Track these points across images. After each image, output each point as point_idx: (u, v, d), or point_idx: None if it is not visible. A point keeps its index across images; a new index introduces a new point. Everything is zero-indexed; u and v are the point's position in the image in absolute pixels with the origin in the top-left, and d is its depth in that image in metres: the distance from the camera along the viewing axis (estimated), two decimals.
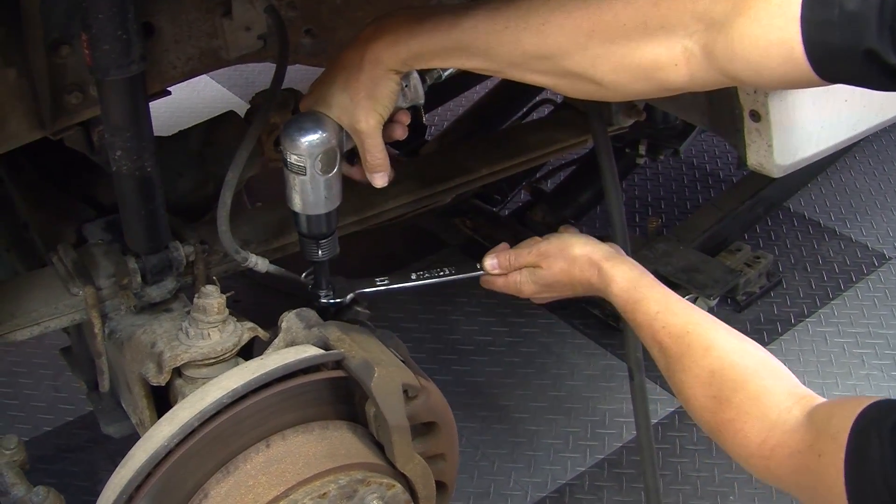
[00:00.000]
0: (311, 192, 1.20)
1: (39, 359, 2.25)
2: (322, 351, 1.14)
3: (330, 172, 1.18)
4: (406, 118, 1.28)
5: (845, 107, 1.32)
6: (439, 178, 1.73)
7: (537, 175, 2.63)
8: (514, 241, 2.44)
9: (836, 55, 0.96)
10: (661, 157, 2.12)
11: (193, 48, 1.36)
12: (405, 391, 1.14)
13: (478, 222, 2.61)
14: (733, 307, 2.41)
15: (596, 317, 2.34)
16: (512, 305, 2.45)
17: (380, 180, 1.22)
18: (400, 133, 1.26)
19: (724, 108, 1.34)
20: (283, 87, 1.36)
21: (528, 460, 2.02)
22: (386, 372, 1.13)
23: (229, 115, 1.63)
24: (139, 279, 1.32)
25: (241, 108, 1.61)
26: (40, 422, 2.14)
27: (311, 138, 1.17)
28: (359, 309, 1.29)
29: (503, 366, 2.27)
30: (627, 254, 1.68)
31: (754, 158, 1.33)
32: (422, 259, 2.63)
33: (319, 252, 1.25)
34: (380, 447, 1.17)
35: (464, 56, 1.19)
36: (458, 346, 2.34)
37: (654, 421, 2.12)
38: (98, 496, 1.09)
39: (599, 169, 1.68)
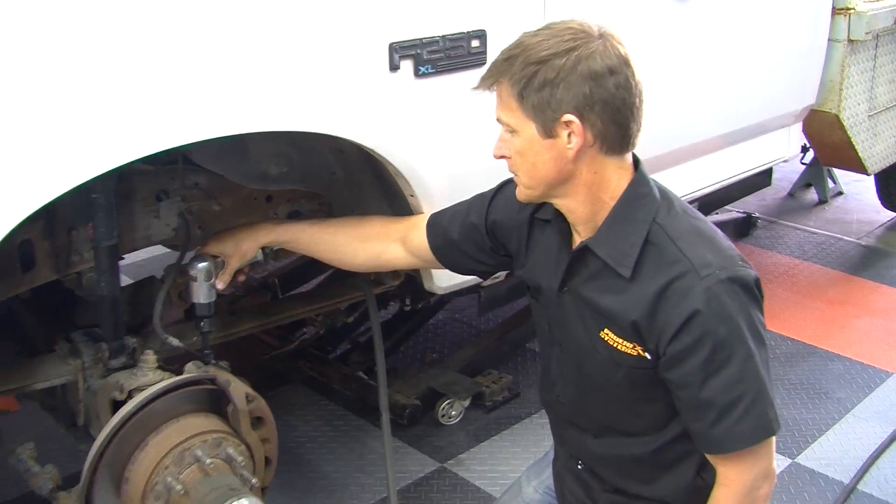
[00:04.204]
0: (199, 291, 2.30)
1: None
2: (202, 374, 2.28)
3: (208, 281, 2.30)
4: (241, 273, 2.42)
5: None
6: (273, 313, 2.89)
7: (360, 329, 3.82)
8: (341, 378, 3.61)
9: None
10: (420, 306, 3.35)
11: (139, 235, 2.50)
12: (246, 395, 2.28)
13: (314, 363, 3.69)
14: (483, 409, 3.57)
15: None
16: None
17: (219, 283, 2.32)
18: (240, 276, 2.42)
19: None
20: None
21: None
22: (236, 384, 2.26)
23: (151, 279, 2.78)
24: (107, 355, 2.42)
25: None
26: None
27: (198, 264, 2.28)
28: (222, 364, 2.41)
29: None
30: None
31: (427, 285, 2.58)
32: (275, 389, 3.73)
33: (203, 325, 2.35)
34: (235, 430, 2.29)
35: (296, 245, 2.40)
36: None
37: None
38: None
39: (369, 315, 2.87)
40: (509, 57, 1.71)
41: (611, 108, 1.68)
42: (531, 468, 2.33)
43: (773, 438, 1.78)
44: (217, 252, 2.34)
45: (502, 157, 1.80)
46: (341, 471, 3.25)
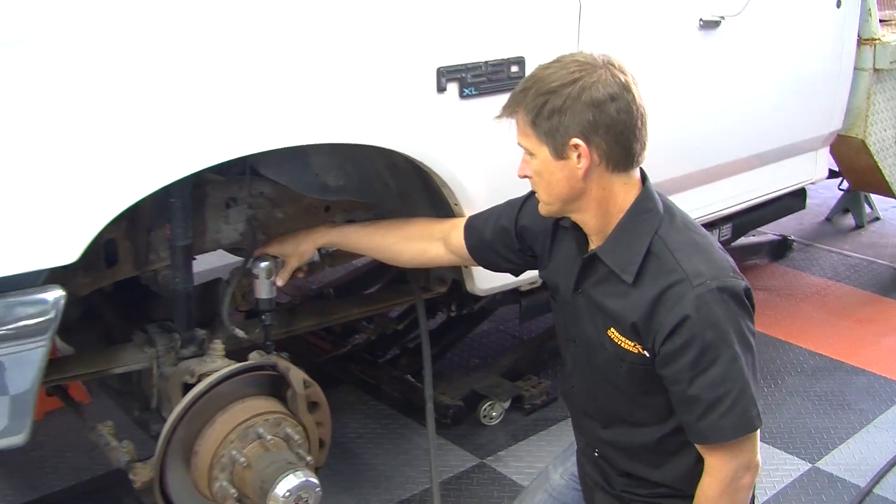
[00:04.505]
0: (261, 288, 2.57)
1: None
2: (264, 361, 2.54)
3: (269, 278, 2.57)
4: (300, 272, 2.70)
5: None
6: (329, 314, 3.16)
7: (410, 336, 4.08)
8: (390, 381, 3.86)
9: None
10: (464, 312, 3.59)
11: (210, 238, 2.78)
12: (303, 381, 2.54)
13: (364, 367, 3.94)
14: (522, 412, 3.79)
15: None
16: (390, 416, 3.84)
17: (279, 280, 2.59)
18: (299, 273, 2.69)
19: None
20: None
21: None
22: (295, 371, 2.52)
23: (217, 280, 3.05)
24: (178, 345, 2.69)
25: None
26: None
27: (260, 263, 2.56)
28: (282, 354, 2.67)
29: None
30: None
31: (469, 286, 2.82)
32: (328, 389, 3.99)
33: (265, 318, 2.62)
34: (293, 412, 2.55)
35: (350, 245, 2.64)
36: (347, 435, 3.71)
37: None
38: None
39: (418, 319, 3.12)
40: (524, 88, 1.95)
41: (614, 131, 1.89)
42: (557, 457, 2.54)
43: (757, 434, 1.96)
44: (277, 253, 2.60)
45: (525, 176, 2.04)
46: (388, 464, 3.48)
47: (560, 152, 1.92)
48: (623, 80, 1.89)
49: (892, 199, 5.36)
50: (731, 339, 1.89)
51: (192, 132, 2.11)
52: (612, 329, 2.02)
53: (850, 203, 5.99)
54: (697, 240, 1.99)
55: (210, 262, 3.06)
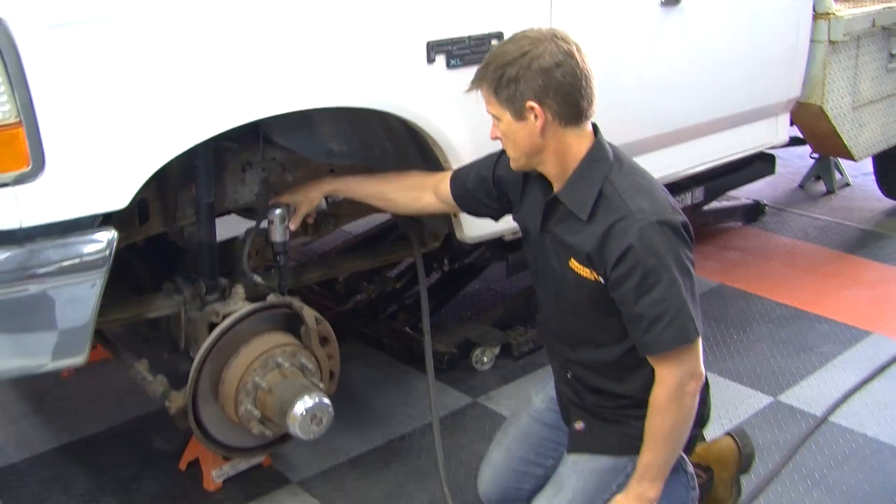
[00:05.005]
0: (276, 232, 2.90)
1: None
2: (280, 300, 2.90)
3: (283, 223, 2.92)
4: (309, 217, 3.08)
5: None
6: (336, 265, 3.53)
7: (408, 295, 4.43)
8: (390, 333, 4.23)
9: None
10: (456, 266, 3.95)
11: (229, 199, 3.13)
12: (315, 318, 2.90)
13: (367, 322, 4.28)
14: (511, 358, 4.13)
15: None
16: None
17: (292, 225, 2.94)
18: (308, 220, 3.05)
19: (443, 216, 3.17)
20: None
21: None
22: (307, 309, 2.88)
23: (235, 238, 3.41)
24: (204, 291, 3.04)
25: None
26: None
27: (275, 210, 2.90)
28: (295, 297, 3.03)
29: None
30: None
31: (459, 234, 3.17)
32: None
33: (279, 259, 2.97)
34: (306, 346, 2.90)
35: (352, 192, 2.97)
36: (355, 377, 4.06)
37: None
38: None
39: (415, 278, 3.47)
40: (485, 64, 2.31)
41: (562, 93, 2.24)
42: (538, 384, 2.90)
43: (697, 345, 2.30)
44: (289, 201, 2.96)
45: (496, 138, 2.41)
46: (390, 404, 3.83)
47: (519, 115, 2.28)
48: (566, 48, 2.25)
49: (861, 166, 5.74)
50: (669, 264, 2.23)
51: (220, 100, 2.46)
52: (572, 259, 2.37)
53: (822, 170, 6.33)
54: (642, 182, 2.35)
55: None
